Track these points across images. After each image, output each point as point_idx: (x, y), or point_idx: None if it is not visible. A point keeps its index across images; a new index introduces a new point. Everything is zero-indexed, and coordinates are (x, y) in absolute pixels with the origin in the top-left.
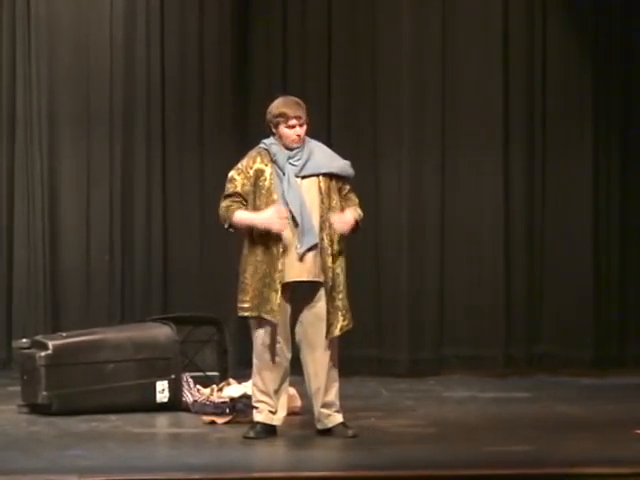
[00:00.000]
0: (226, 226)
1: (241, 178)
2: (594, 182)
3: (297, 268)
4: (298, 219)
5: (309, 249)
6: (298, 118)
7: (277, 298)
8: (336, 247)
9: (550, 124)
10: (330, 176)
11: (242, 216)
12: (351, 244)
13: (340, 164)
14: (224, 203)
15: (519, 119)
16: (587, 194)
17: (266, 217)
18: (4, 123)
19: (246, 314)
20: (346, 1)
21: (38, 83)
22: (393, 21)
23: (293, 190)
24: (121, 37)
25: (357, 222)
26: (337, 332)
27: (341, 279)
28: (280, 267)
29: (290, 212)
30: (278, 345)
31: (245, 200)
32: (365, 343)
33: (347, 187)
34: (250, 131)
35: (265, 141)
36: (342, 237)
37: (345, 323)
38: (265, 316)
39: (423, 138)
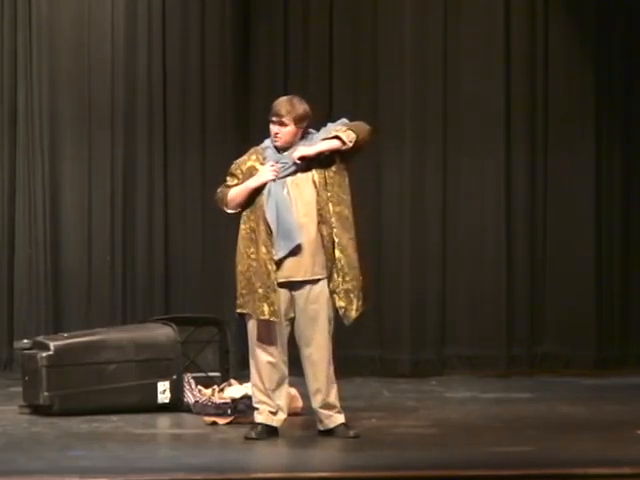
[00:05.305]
0: (225, 209)
1: (237, 173)
2: (596, 181)
3: (292, 267)
4: (272, 226)
5: (292, 252)
6: (276, 116)
7: (276, 298)
8: (338, 231)
9: (552, 123)
10: (323, 166)
11: (236, 189)
12: None
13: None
14: (220, 188)
15: (521, 119)
16: (589, 193)
17: (258, 174)
18: (5, 123)
19: (237, 310)
20: (348, 1)
21: (39, 83)
22: (395, 21)
23: (272, 196)
24: (122, 37)
25: (340, 138)
26: (354, 314)
27: (345, 262)
28: (274, 267)
29: (265, 220)
30: (272, 345)
31: None
32: (367, 343)
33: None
34: (252, 131)
35: (266, 140)
36: (346, 223)
37: (360, 304)
38: (259, 316)
39: (425, 138)
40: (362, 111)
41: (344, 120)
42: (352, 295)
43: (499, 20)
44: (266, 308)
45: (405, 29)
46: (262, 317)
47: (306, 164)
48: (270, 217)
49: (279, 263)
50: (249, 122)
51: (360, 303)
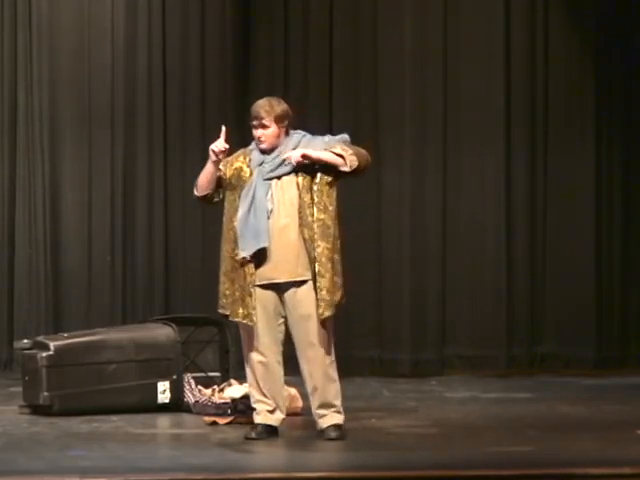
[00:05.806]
0: (195, 193)
1: (224, 169)
2: (596, 182)
3: (274, 269)
4: (241, 224)
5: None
6: (256, 119)
7: (251, 301)
8: (317, 237)
9: (552, 123)
10: (311, 171)
11: (202, 172)
12: (352, 244)
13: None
14: None
15: (521, 119)
16: (589, 194)
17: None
18: (5, 123)
19: (219, 310)
20: (348, 1)
21: (39, 83)
22: (395, 21)
23: (250, 195)
24: (122, 37)
25: (342, 156)
26: (327, 313)
27: (318, 269)
28: (252, 270)
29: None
30: (262, 345)
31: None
32: (367, 343)
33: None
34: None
35: (253, 142)
36: (327, 231)
37: (337, 298)
38: (233, 318)
39: (425, 138)
40: (362, 111)
41: (345, 137)
42: (324, 292)
43: (499, 20)
44: (240, 310)
45: (405, 29)
46: (236, 319)
47: (300, 166)
48: (241, 215)
49: (261, 265)
50: (249, 121)
51: (337, 298)
